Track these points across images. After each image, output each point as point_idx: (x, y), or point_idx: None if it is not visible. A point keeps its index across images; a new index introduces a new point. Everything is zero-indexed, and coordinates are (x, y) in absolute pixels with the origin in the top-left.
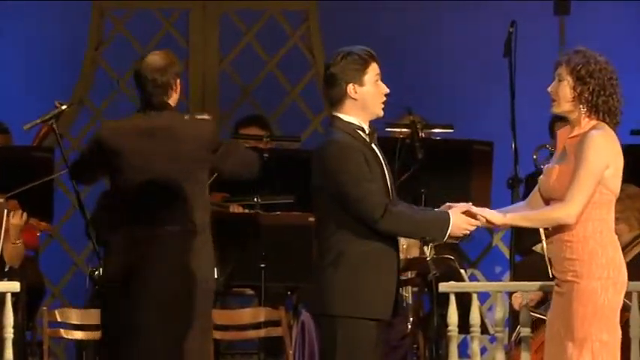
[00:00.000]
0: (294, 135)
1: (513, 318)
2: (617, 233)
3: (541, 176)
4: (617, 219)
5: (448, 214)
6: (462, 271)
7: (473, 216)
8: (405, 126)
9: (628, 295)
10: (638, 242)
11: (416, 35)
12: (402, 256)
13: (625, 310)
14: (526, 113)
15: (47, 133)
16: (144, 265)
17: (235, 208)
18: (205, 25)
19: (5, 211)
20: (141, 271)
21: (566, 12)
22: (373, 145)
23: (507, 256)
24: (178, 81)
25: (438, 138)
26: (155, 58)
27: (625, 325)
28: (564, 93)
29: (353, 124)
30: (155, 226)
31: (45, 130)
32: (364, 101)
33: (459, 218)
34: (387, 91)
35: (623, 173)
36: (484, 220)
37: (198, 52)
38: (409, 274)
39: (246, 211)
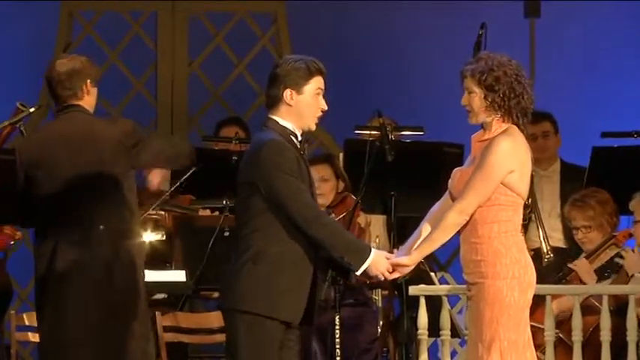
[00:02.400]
0: None
1: None
2: (588, 241)
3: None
4: (588, 227)
5: (371, 248)
6: (432, 273)
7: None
8: (374, 128)
9: (598, 298)
10: (608, 245)
11: (385, 36)
12: None
13: (595, 313)
14: None
15: (8, 135)
16: (70, 270)
17: (203, 212)
18: (174, 27)
19: None
20: (68, 276)
21: (537, 14)
22: (304, 155)
23: None
24: (89, 82)
25: (408, 140)
26: (63, 62)
27: (596, 328)
28: (477, 105)
29: (287, 128)
30: (77, 229)
31: (6, 132)
32: (299, 110)
33: (381, 259)
34: (325, 108)
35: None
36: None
37: (167, 55)
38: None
39: (215, 214)
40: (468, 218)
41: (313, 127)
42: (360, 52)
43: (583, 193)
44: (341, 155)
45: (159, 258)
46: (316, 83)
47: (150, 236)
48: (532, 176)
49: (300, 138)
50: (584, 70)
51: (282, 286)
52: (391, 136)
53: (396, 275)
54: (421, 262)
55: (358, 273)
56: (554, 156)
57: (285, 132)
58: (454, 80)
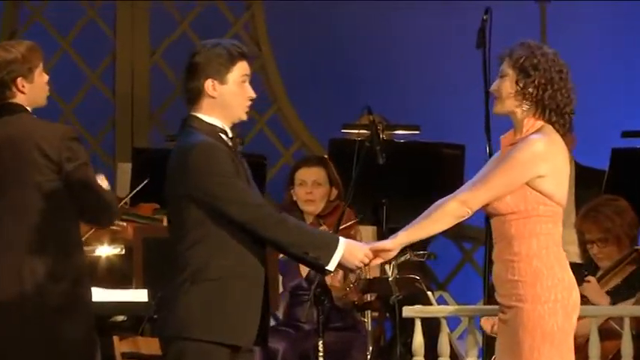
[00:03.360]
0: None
1: (487, 346)
2: (605, 256)
3: None
4: (604, 240)
5: (339, 237)
6: (429, 292)
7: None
8: (363, 127)
9: (618, 321)
10: (629, 260)
11: (377, 25)
12: (355, 277)
13: (615, 337)
14: None
15: None
16: (3, 298)
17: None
18: (134, 12)
19: None
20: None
21: None
22: (238, 153)
23: (481, 276)
24: (19, 80)
25: (402, 140)
26: None
27: (616, 355)
28: (506, 89)
29: (215, 126)
30: (6, 251)
31: None
32: (223, 102)
33: (355, 247)
34: (253, 95)
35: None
36: (379, 256)
37: (126, 43)
38: (369, 297)
39: None
40: (470, 212)
41: (244, 117)
42: (346, 41)
43: (597, 202)
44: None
45: (117, 275)
46: (240, 70)
47: (106, 250)
48: None
49: (230, 134)
50: (602, 60)
51: (228, 305)
52: (382, 136)
53: (378, 261)
54: (416, 279)
55: (331, 268)
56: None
57: (214, 130)
58: (455, 72)
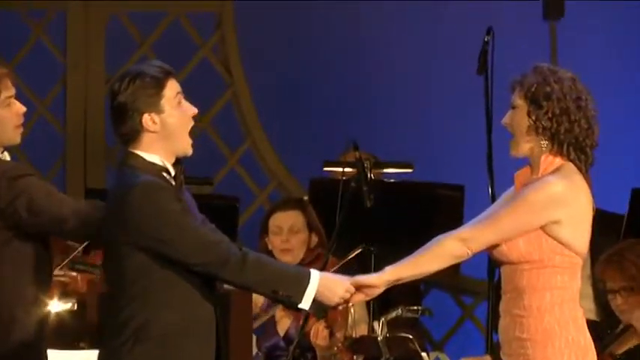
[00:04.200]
0: (204, 177)
1: None
2: (629, 308)
3: None
4: (629, 289)
5: (310, 271)
6: (424, 354)
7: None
8: (349, 164)
9: None
10: None
11: (364, 49)
12: (343, 333)
13: None
14: (506, 148)
15: None
16: None
17: None
18: (87, 31)
19: None
20: None
21: (559, 15)
22: (185, 193)
23: (483, 335)
24: None
25: (393, 180)
26: None
27: None
28: (518, 123)
29: (156, 164)
30: None
31: None
32: (167, 131)
33: (333, 281)
34: (195, 111)
35: None
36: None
37: (78, 67)
38: (355, 359)
39: None
40: (470, 254)
41: (190, 150)
42: (326, 63)
43: (621, 246)
44: (305, 199)
45: (68, 334)
46: (172, 90)
47: (56, 306)
48: None
49: (173, 172)
50: (618, 86)
51: None
52: (370, 175)
53: (360, 297)
54: (409, 338)
55: (304, 306)
56: None
57: (155, 169)
58: (453, 101)
